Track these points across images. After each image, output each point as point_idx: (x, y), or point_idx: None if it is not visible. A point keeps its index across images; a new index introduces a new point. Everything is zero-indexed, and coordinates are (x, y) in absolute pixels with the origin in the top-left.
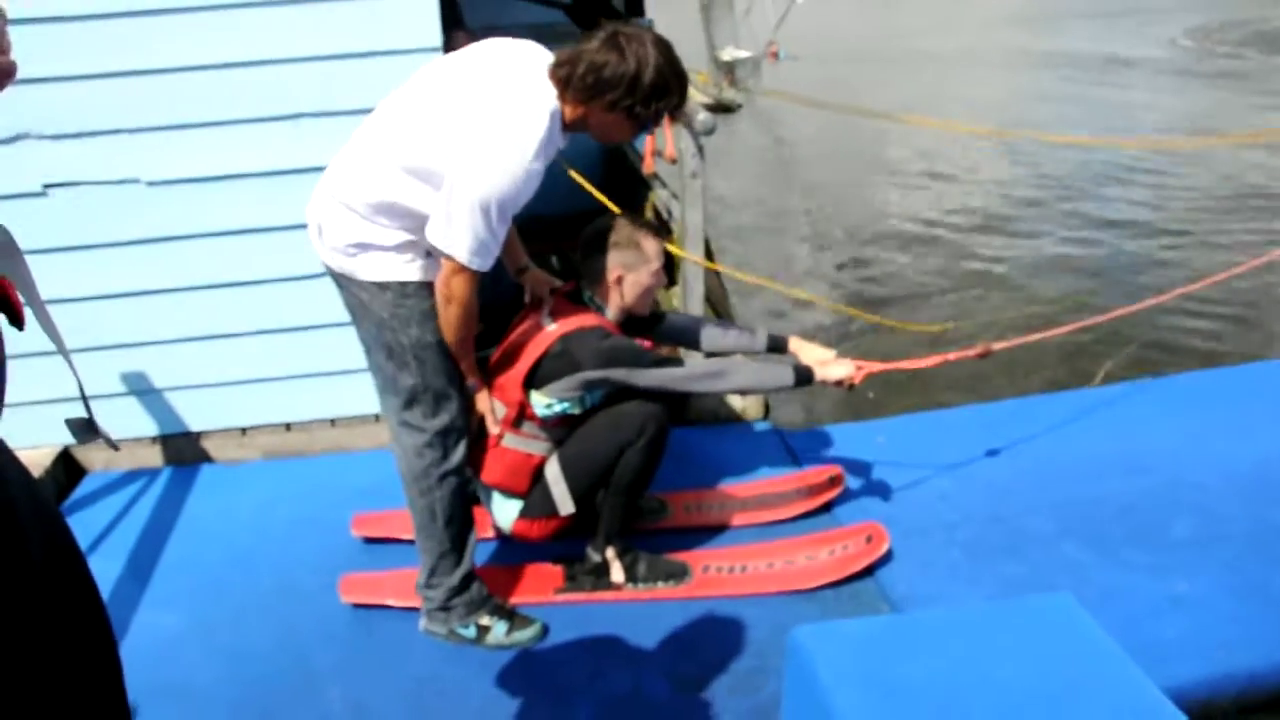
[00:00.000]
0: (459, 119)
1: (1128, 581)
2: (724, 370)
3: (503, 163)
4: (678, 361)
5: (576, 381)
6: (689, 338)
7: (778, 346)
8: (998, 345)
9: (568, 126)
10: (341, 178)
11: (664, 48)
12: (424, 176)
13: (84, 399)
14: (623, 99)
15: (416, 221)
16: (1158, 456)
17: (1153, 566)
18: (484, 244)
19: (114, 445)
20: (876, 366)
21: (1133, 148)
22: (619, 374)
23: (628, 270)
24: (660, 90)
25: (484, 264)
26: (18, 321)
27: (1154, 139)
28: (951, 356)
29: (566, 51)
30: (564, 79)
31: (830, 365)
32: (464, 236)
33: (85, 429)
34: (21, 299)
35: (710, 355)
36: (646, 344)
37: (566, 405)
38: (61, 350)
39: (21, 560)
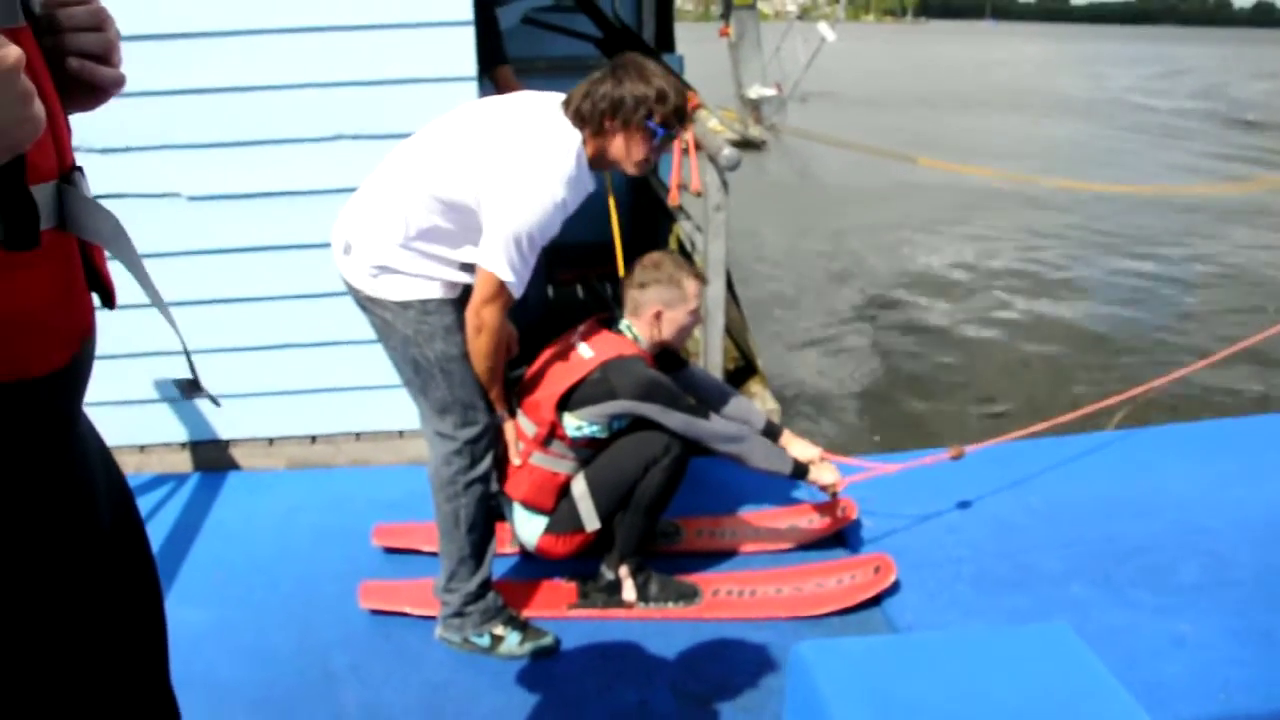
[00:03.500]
0: (492, 157)
1: (1132, 621)
2: (743, 437)
3: (533, 197)
4: (705, 414)
5: (610, 408)
6: (704, 394)
7: (773, 433)
8: (970, 447)
9: (594, 163)
10: (376, 205)
11: (653, 64)
12: (454, 207)
13: (189, 362)
14: (635, 111)
15: (443, 249)
16: (1169, 501)
17: (1157, 607)
18: (518, 270)
19: (216, 402)
20: (858, 475)
21: (1149, 193)
22: (653, 410)
23: (667, 307)
24: (663, 95)
25: (519, 289)
26: (108, 300)
27: (1172, 186)
28: (927, 460)
29: (571, 92)
30: (577, 111)
31: (821, 468)
32: (502, 262)
33: (191, 387)
34: (113, 275)
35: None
36: None
37: (596, 429)
38: (168, 317)
39: (93, 526)
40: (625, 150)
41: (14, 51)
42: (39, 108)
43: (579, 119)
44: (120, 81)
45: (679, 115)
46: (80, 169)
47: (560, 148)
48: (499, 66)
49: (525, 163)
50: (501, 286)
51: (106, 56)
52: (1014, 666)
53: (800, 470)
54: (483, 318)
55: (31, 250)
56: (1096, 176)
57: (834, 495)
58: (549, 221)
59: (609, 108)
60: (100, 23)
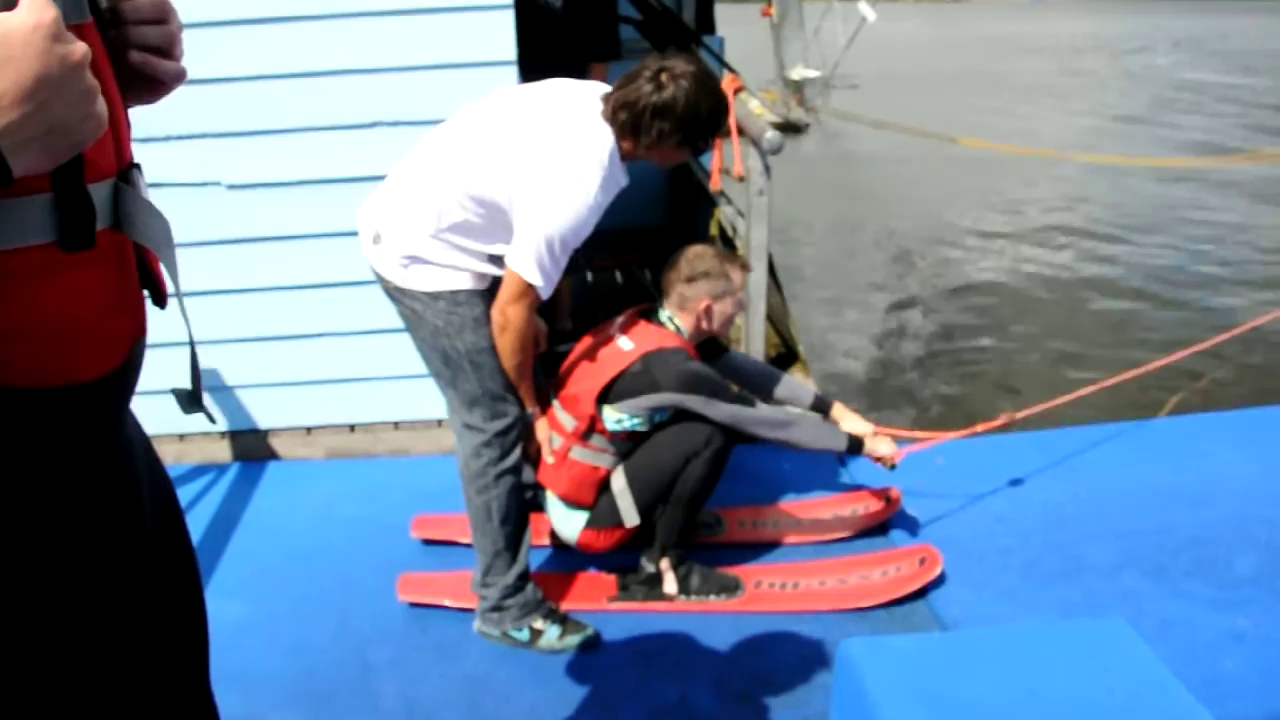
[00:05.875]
0: (526, 157)
1: (1188, 614)
2: (791, 422)
3: (567, 200)
4: (750, 402)
5: (653, 401)
6: (746, 379)
7: (822, 407)
8: (1020, 414)
9: (628, 157)
10: (406, 194)
11: (705, 78)
12: (486, 204)
13: (196, 375)
14: (687, 136)
15: (474, 242)
16: (1225, 489)
17: (1214, 600)
18: (547, 273)
19: (212, 419)
20: (914, 445)
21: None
22: (696, 401)
23: (716, 300)
24: (700, 117)
25: (548, 290)
26: (160, 300)
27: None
28: (979, 428)
29: (620, 95)
30: (614, 120)
31: (876, 441)
32: (531, 264)
33: (189, 400)
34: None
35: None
36: None
37: (637, 422)
38: (189, 335)
39: (137, 529)
40: (661, 158)
41: (80, 48)
42: (102, 105)
43: (615, 126)
44: (181, 75)
45: (716, 131)
46: (138, 166)
47: (595, 149)
48: (600, 63)
49: (559, 165)
50: (529, 287)
51: (168, 49)
52: (1069, 663)
53: (855, 445)
54: (508, 316)
55: (87, 251)
56: (1138, 152)
57: (891, 467)
58: (583, 224)
59: (647, 126)
60: (164, 15)
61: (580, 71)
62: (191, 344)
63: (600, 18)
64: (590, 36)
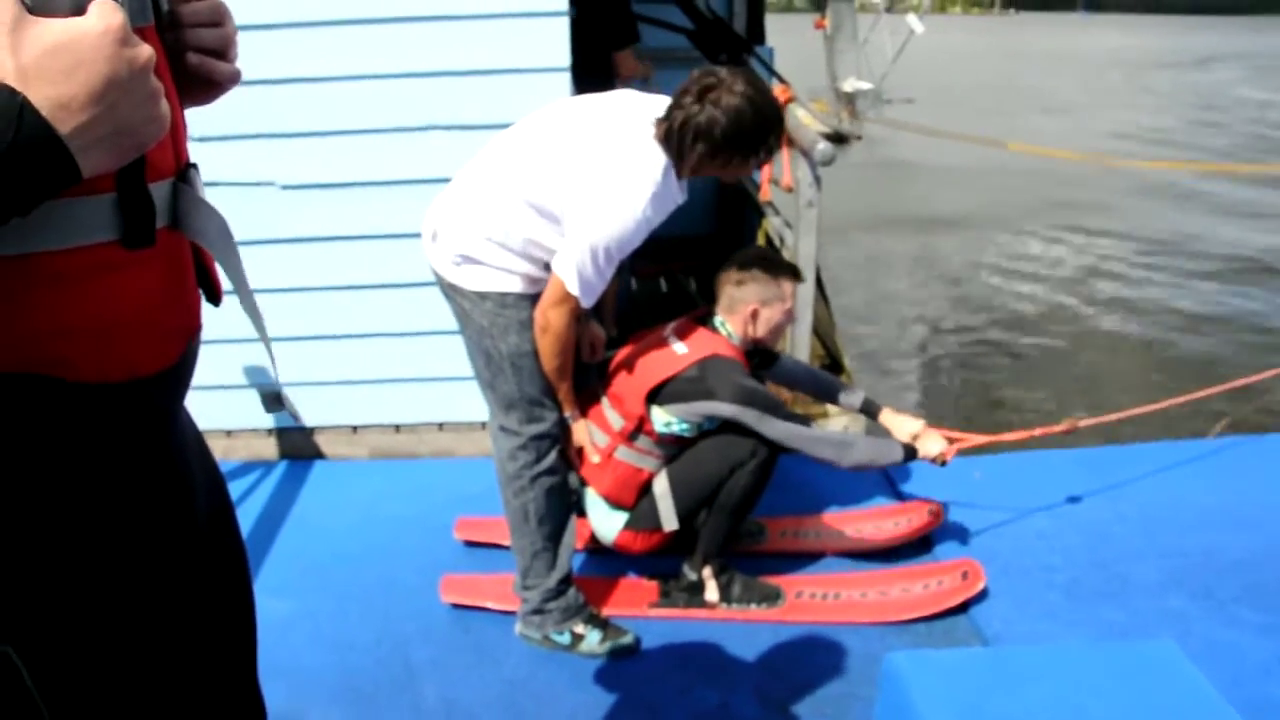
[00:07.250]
0: (582, 168)
1: (1236, 638)
2: (848, 443)
3: (617, 213)
4: (805, 421)
5: (706, 409)
6: (797, 383)
7: (870, 411)
8: (1084, 422)
9: (684, 175)
10: (466, 196)
11: (753, 92)
12: (543, 213)
13: (275, 375)
14: (732, 157)
15: (528, 248)
16: (1274, 512)
17: (1264, 625)
18: (589, 282)
19: (296, 417)
20: (966, 442)
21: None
22: (751, 416)
23: (764, 305)
24: (759, 136)
25: (587, 300)
26: (215, 298)
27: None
28: (1038, 432)
29: (665, 124)
30: (666, 137)
31: (927, 441)
32: (573, 272)
33: (275, 401)
34: (226, 282)
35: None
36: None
37: (685, 427)
38: (262, 335)
39: (190, 523)
40: (718, 174)
41: (146, 51)
42: (165, 107)
43: (668, 144)
44: (236, 77)
45: (774, 145)
46: (195, 166)
47: (649, 164)
48: (622, 50)
49: (613, 178)
50: (570, 294)
51: (224, 52)
52: (1118, 684)
53: (910, 453)
54: (549, 319)
55: (147, 249)
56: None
57: (943, 464)
58: (630, 237)
59: (688, 150)
60: (220, 18)
61: (605, 62)
62: (267, 342)
63: (610, 5)
64: (605, 27)
